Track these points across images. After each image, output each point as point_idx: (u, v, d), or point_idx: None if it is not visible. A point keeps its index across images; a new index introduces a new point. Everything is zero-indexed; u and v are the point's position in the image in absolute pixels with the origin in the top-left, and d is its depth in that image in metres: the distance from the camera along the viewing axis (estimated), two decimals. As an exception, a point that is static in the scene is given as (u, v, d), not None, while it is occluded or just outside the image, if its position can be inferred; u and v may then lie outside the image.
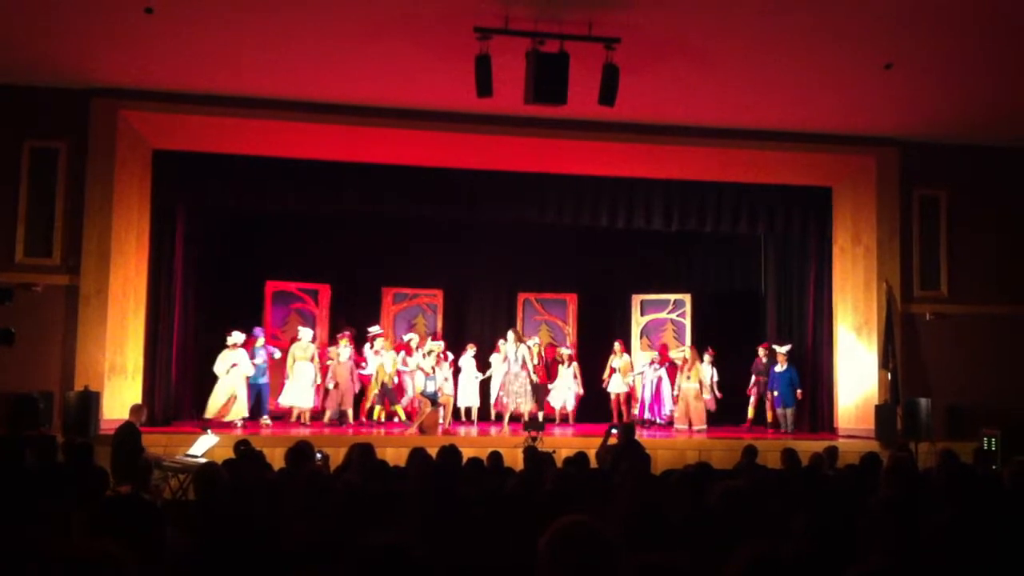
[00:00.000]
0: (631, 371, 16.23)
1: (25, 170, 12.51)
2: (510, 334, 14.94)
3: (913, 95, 12.19)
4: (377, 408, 15.03)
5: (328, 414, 14.46)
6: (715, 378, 15.63)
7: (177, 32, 10.48)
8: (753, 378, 15.83)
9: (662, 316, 17.29)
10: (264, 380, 14.40)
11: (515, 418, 14.49)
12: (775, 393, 15.21)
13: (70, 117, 12.50)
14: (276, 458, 8.94)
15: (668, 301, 17.30)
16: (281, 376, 14.74)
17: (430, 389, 14.04)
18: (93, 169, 12.54)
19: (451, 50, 10.39)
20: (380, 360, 14.94)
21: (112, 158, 12.61)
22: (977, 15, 9.69)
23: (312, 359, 14.68)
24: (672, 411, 15.58)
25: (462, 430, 14.67)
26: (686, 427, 14.98)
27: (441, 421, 14.15)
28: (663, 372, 15.95)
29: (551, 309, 17.51)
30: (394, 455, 10.33)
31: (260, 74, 11.83)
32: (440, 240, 16.76)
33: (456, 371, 15.72)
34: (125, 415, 11.25)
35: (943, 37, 10.23)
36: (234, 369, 13.84)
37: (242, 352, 14.02)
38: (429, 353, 14.73)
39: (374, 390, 14.91)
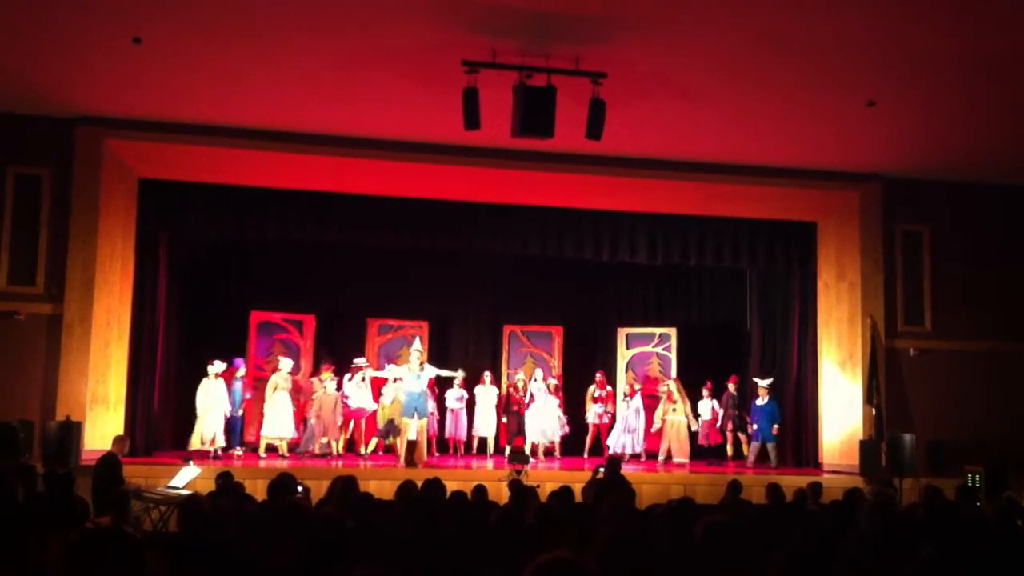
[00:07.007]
0: (611, 402, 16.21)
1: (9, 197, 12.45)
2: (538, 371, 15.96)
3: (896, 132, 12.29)
4: (375, 440, 14.94)
5: (308, 446, 14.27)
6: (717, 409, 15.62)
7: (164, 62, 10.48)
8: (723, 412, 15.77)
9: (648, 350, 17.27)
10: (240, 412, 14.32)
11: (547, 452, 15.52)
12: (755, 426, 15.16)
13: (55, 145, 12.45)
14: (258, 490, 8.86)
15: (654, 335, 17.29)
16: (259, 407, 14.64)
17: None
18: (78, 197, 12.49)
19: (438, 82, 10.43)
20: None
21: (97, 186, 12.57)
22: (959, 53, 9.79)
23: (290, 390, 14.58)
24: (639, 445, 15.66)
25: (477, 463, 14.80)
26: (664, 459, 15.05)
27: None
28: (639, 405, 15.92)
29: (537, 341, 17.47)
30: (377, 488, 10.29)
31: (247, 104, 11.84)
32: (425, 272, 16.69)
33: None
34: (107, 445, 11.17)
35: (925, 75, 10.33)
36: (215, 400, 13.71)
37: (222, 383, 13.91)
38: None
39: (382, 423, 14.73)
